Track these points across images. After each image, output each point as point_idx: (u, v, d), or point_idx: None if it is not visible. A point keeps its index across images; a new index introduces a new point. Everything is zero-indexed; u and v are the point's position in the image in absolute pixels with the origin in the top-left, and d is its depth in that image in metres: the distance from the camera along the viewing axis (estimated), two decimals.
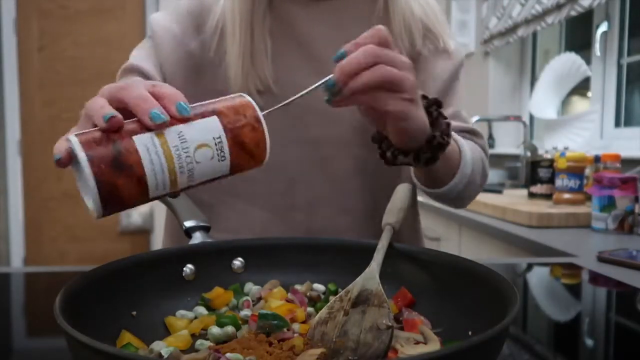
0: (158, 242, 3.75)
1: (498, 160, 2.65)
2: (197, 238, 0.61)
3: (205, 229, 0.63)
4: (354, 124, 0.80)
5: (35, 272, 0.80)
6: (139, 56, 0.83)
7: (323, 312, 0.47)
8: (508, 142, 2.78)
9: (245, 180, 0.80)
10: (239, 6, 0.78)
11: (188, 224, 0.64)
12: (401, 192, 0.66)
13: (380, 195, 0.78)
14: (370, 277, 0.49)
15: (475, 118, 2.21)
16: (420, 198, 1.00)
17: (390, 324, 0.43)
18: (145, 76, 0.81)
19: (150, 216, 3.73)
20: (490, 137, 2.77)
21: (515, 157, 2.44)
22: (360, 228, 0.81)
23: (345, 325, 0.44)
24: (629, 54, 2.00)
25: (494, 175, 2.43)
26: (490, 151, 2.64)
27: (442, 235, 1.92)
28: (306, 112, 0.79)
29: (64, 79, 3.70)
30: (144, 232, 3.86)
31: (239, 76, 0.77)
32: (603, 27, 2.01)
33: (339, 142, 0.80)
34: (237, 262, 0.58)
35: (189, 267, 0.55)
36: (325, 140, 0.80)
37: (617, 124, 2.04)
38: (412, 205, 0.93)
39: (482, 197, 1.70)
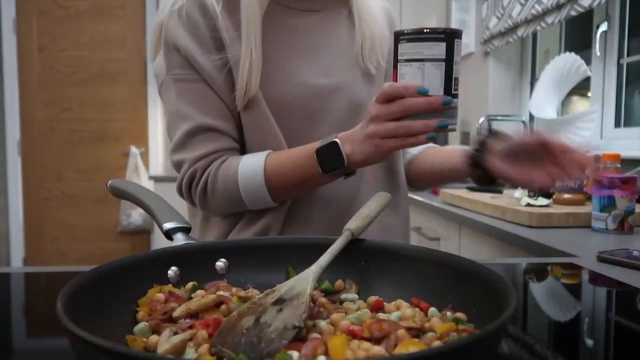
0: (158, 242, 3.75)
1: None
2: (179, 240, 0.61)
3: (186, 230, 0.63)
4: None
5: (35, 272, 0.80)
6: (199, 113, 0.82)
7: (246, 305, 0.46)
8: None
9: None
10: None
11: (168, 225, 0.63)
12: (376, 200, 0.64)
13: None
14: (303, 278, 0.49)
15: (481, 119, 2.22)
16: (420, 198, 1.04)
17: (297, 324, 0.43)
18: (219, 132, 0.82)
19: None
20: None
21: None
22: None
23: (259, 320, 0.44)
24: (629, 54, 2.00)
25: None
26: None
27: (442, 235, 1.92)
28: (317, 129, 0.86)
29: (64, 79, 3.71)
30: (143, 232, 3.86)
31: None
32: (603, 27, 2.01)
33: None
34: (221, 263, 0.57)
35: (173, 270, 0.54)
36: None
37: (617, 124, 2.04)
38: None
39: (482, 197, 1.70)
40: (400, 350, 0.39)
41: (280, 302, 0.46)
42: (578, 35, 2.38)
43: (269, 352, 0.40)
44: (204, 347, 0.41)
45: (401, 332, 0.41)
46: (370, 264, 0.57)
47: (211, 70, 0.82)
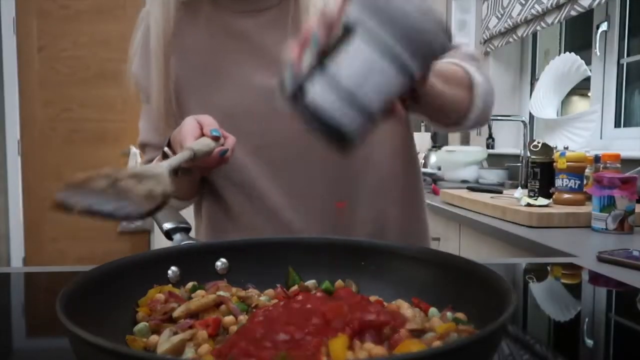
0: (158, 242, 3.75)
1: (498, 160, 2.65)
2: (179, 240, 0.61)
3: (186, 230, 0.63)
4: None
5: (35, 272, 0.80)
6: (144, 129, 0.95)
7: (94, 172, 0.49)
8: (508, 142, 2.78)
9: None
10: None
11: (168, 225, 0.63)
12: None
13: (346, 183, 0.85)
14: (157, 165, 0.52)
15: None
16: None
17: (168, 191, 0.46)
18: (156, 149, 0.91)
19: None
20: (490, 137, 2.77)
21: (515, 157, 2.44)
22: (322, 220, 0.85)
23: (116, 185, 0.46)
24: (629, 54, 2.00)
25: (494, 175, 2.43)
26: (490, 151, 2.65)
27: (442, 235, 1.92)
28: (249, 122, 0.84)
29: (64, 79, 3.70)
30: (143, 232, 3.86)
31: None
32: (603, 27, 2.01)
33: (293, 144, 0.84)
34: (220, 263, 0.57)
35: (172, 270, 0.54)
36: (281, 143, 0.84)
37: (617, 124, 2.04)
38: (420, 201, 0.98)
39: (482, 197, 1.70)
40: (400, 350, 0.39)
41: (137, 176, 0.49)
42: (578, 35, 2.38)
43: (140, 213, 0.44)
44: (204, 347, 0.41)
45: (402, 332, 0.41)
46: (370, 264, 0.57)
47: (150, 92, 0.87)
